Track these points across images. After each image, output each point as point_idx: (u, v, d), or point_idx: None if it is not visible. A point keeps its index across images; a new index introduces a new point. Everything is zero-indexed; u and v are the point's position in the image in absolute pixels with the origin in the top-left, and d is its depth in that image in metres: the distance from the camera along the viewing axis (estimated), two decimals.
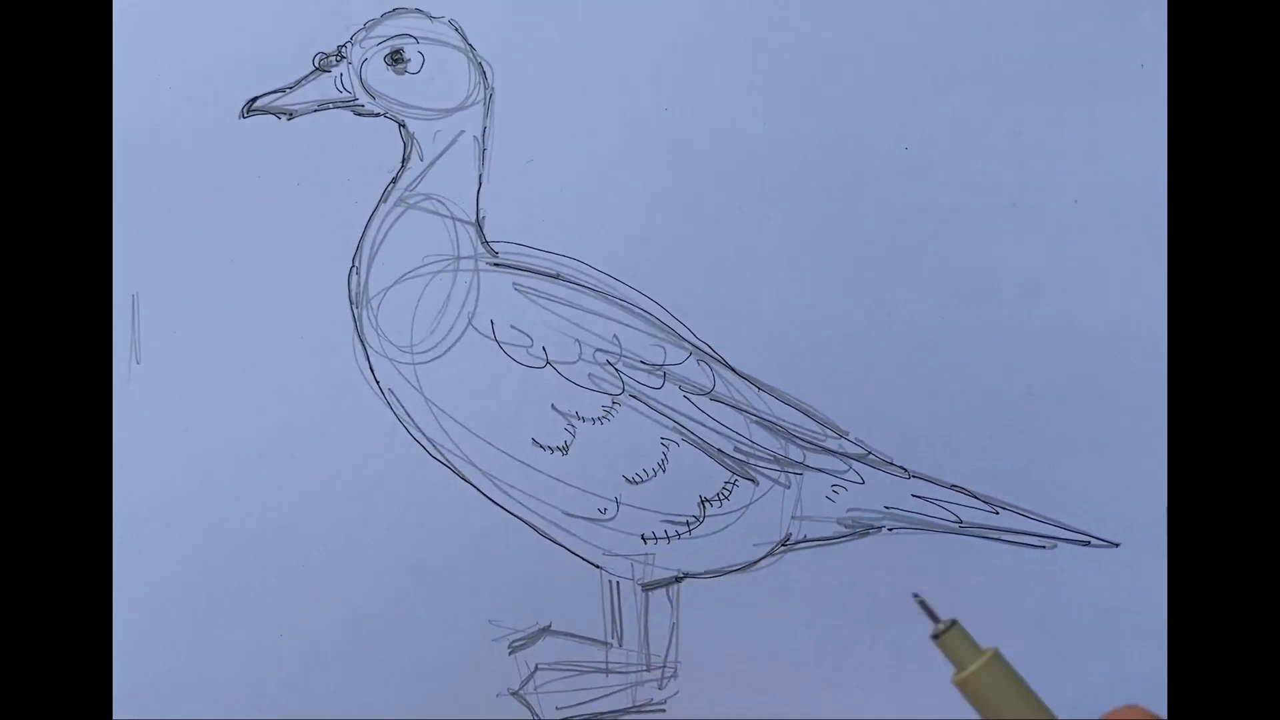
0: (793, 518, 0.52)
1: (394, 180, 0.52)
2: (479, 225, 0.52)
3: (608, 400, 0.52)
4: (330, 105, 0.52)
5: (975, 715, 0.41)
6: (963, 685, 0.39)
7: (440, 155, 0.52)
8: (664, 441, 0.52)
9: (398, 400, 0.52)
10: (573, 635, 0.52)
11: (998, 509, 0.52)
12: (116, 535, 0.51)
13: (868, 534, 0.52)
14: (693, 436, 0.52)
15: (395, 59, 0.52)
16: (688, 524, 0.52)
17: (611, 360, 0.52)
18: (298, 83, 0.52)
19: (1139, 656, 0.52)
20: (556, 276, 0.52)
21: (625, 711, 0.52)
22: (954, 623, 0.39)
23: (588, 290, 0.52)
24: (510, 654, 0.52)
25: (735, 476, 0.52)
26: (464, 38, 0.52)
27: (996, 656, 0.39)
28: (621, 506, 0.52)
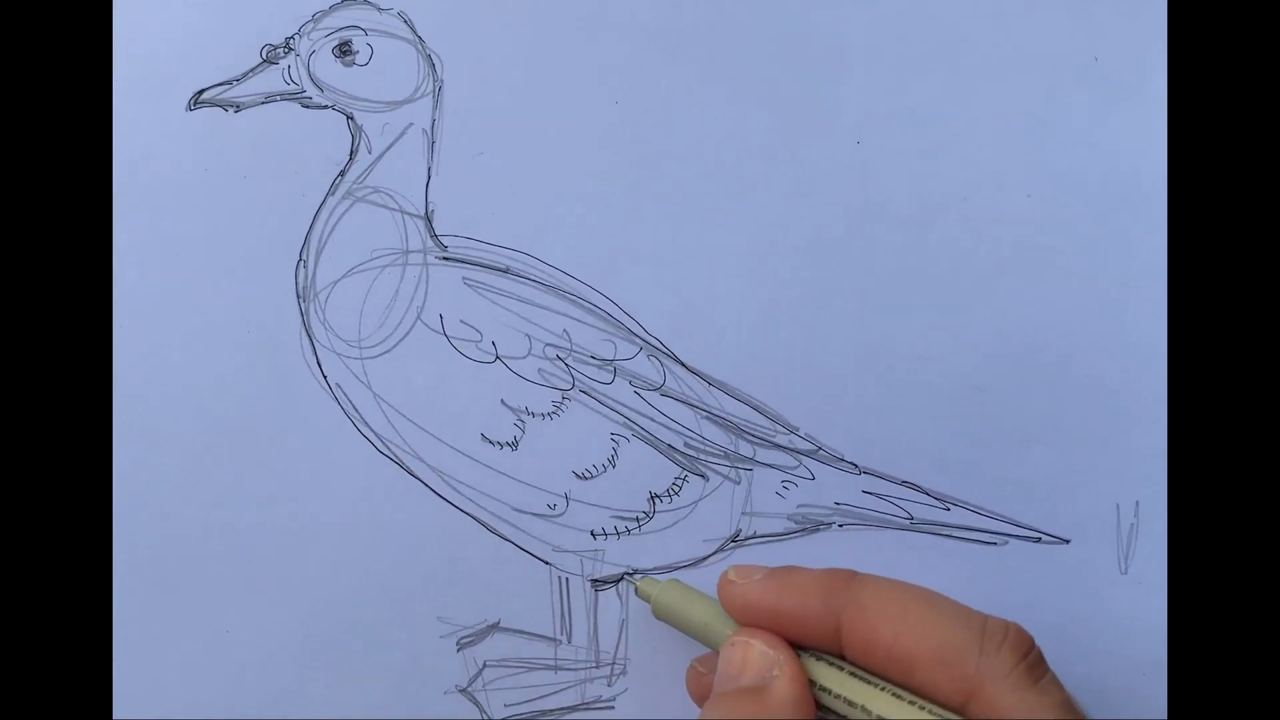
0: (743, 514, 0.52)
1: (342, 173, 0.52)
2: (428, 219, 0.52)
3: (558, 395, 0.51)
4: (278, 97, 0.52)
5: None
6: (656, 609, 0.48)
7: (389, 148, 0.52)
8: (614, 437, 0.51)
9: (345, 395, 0.51)
10: (521, 632, 0.52)
11: (949, 505, 0.52)
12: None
13: (818, 530, 0.52)
14: (643, 432, 0.51)
15: (343, 51, 0.51)
16: (637, 520, 0.51)
17: (561, 355, 0.51)
18: (245, 75, 0.52)
19: (1089, 652, 0.52)
20: (506, 271, 0.52)
21: (574, 709, 0.52)
22: (632, 572, 0.50)
23: (538, 285, 0.52)
24: (458, 651, 0.52)
25: (685, 472, 0.51)
26: (413, 29, 0.52)
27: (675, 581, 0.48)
28: (571, 502, 0.51)
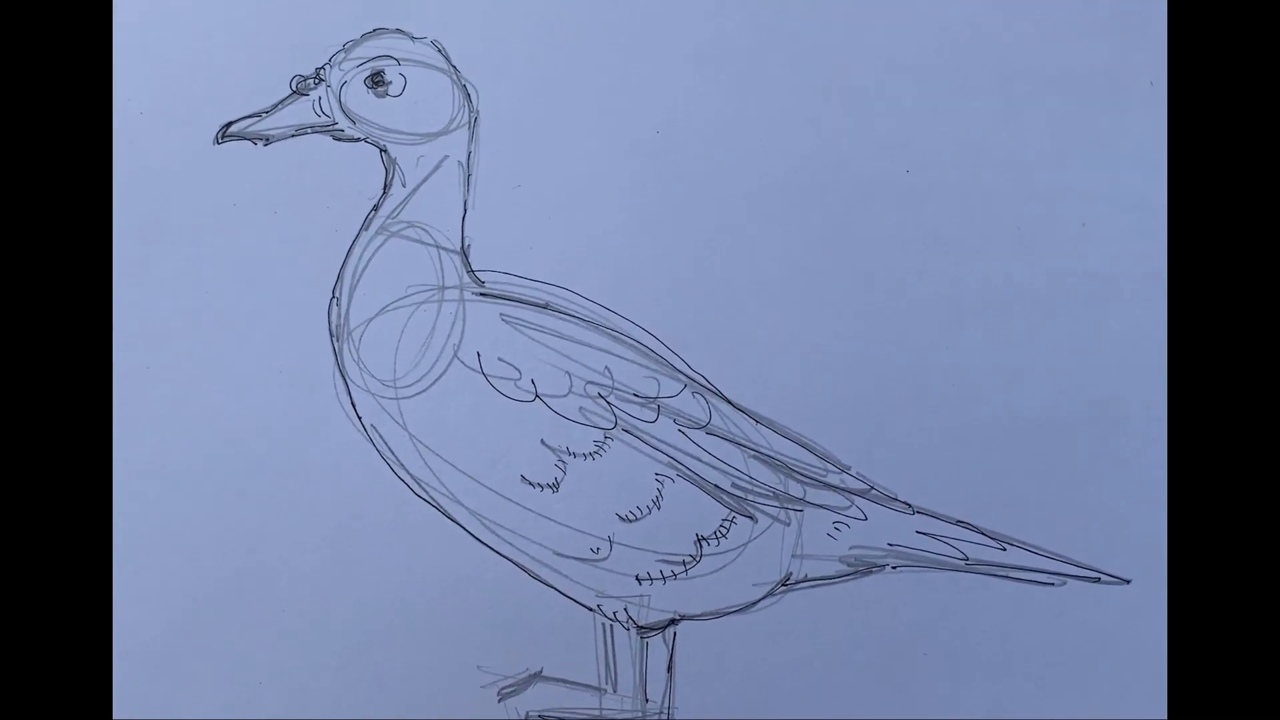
0: (793, 556, 0.50)
1: (375, 207, 0.50)
2: (464, 253, 0.50)
3: (600, 435, 0.50)
4: (309, 130, 0.50)
5: None
6: None
7: (424, 181, 0.50)
8: (658, 477, 0.50)
9: (380, 437, 0.50)
10: (565, 681, 0.50)
11: (1005, 545, 0.50)
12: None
13: (871, 572, 0.50)
14: (688, 472, 0.50)
15: (376, 81, 0.50)
16: (684, 563, 0.50)
17: (603, 393, 0.50)
18: (274, 107, 0.50)
19: (1150, 696, 0.50)
20: (545, 306, 0.50)
21: None
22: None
23: (578, 320, 0.50)
24: (500, 701, 0.50)
25: (733, 513, 0.50)
26: (447, 59, 0.51)
27: None
28: (615, 546, 0.50)
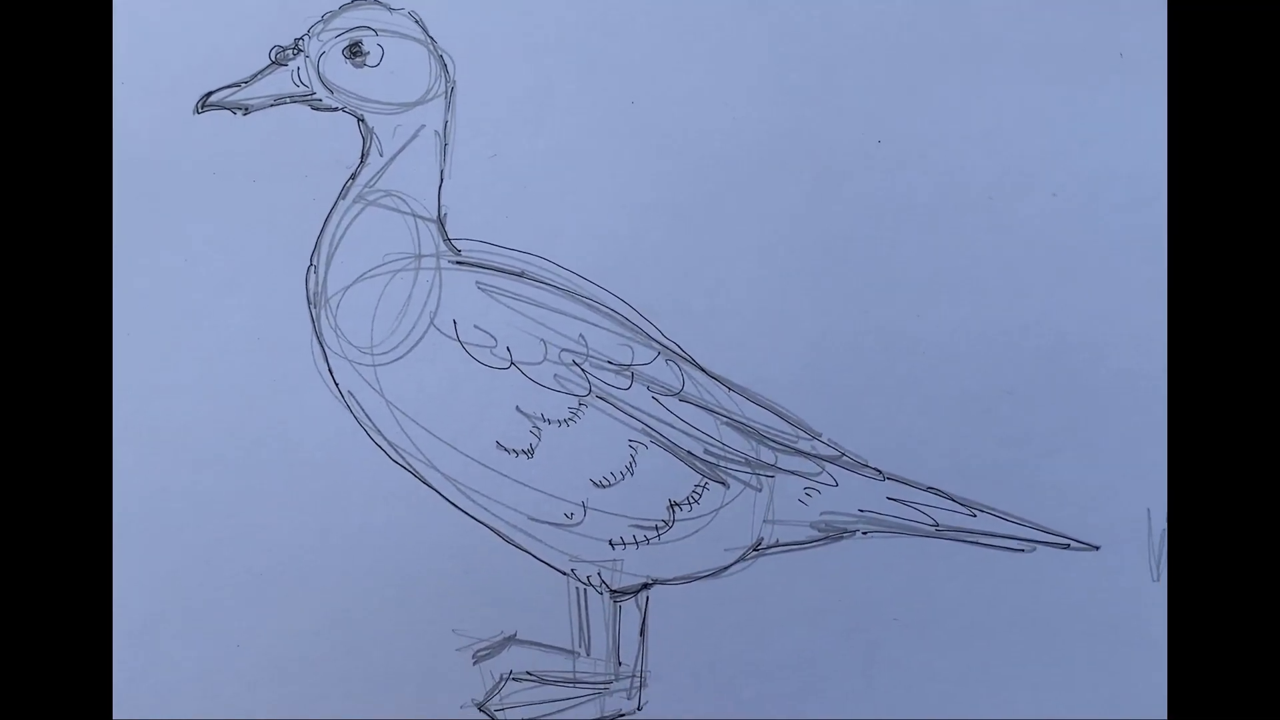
0: (764, 521, 0.50)
1: (353, 176, 0.51)
2: (441, 222, 0.51)
3: (574, 402, 0.50)
4: (287, 100, 0.51)
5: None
6: None
7: (400, 150, 0.51)
8: (632, 444, 0.50)
9: (358, 403, 0.50)
10: (539, 644, 0.51)
11: (975, 511, 0.51)
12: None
13: (841, 538, 0.51)
14: (661, 439, 0.50)
15: (353, 52, 0.50)
16: (657, 528, 0.50)
17: (578, 360, 0.50)
18: (254, 77, 0.51)
19: (1118, 659, 0.51)
20: (521, 274, 0.51)
21: None
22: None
23: (553, 289, 0.51)
24: (475, 664, 0.50)
25: (705, 479, 0.50)
26: (424, 29, 0.51)
27: None
28: (589, 511, 0.50)
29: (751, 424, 0.51)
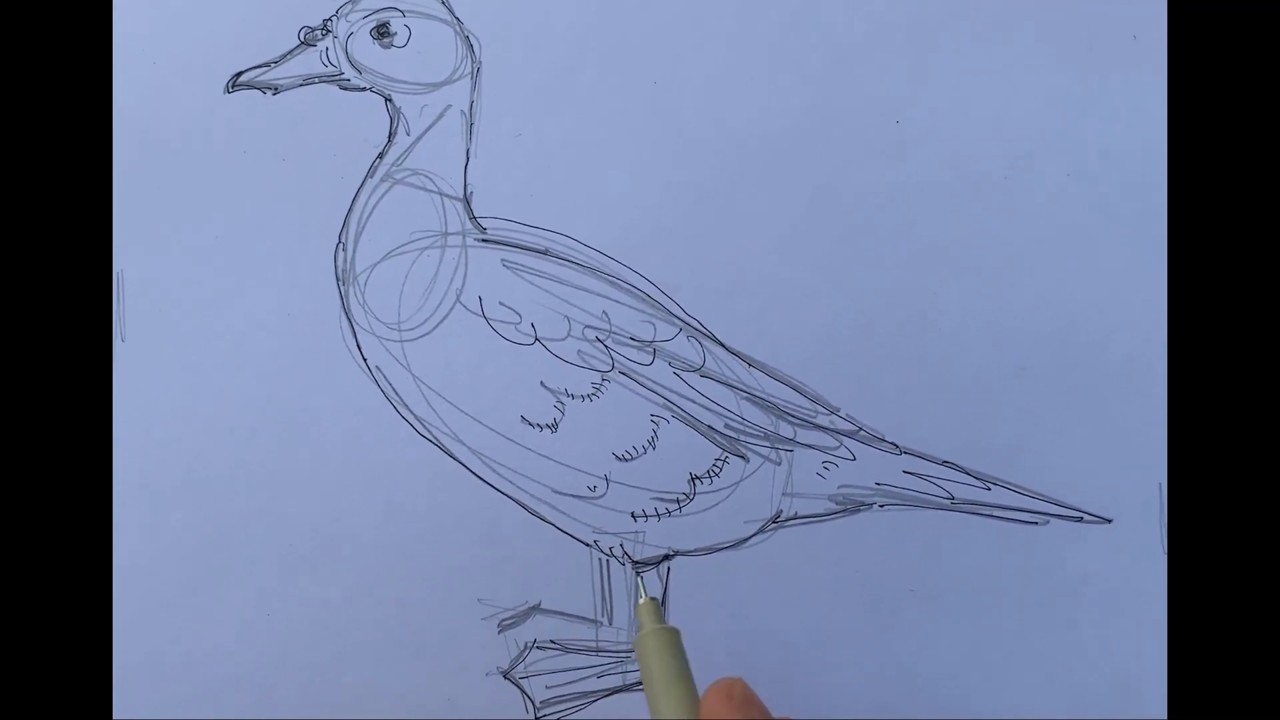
0: (784, 494, 0.52)
1: (380, 155, 0.52)
2: (467, 201, 0.52)
3: (597, 377, 0.51)
4: (316, 80, 0.52)
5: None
6: (636, 645, 0.44)
7: (427, 130, 0.52)
8: (654, 418, 0.51)
9: (385, 378, 0.51)
10: (562, 614, 0.52)
11: (989, 485, 0.52)
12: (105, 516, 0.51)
13: (859, 511, 0.52)
14: (683, 413, 0.51)
15: (381, 32, 0.51)
16: (678, 501, 0.51)
17: (601, 337, 0.51)
18: (283, 57, 0.52)
19: (1130, 632, 0.52)
20: (545, 252, 0.52)
21: (616, 691, 0.52)
22: (654, 600, 0.45)
23: (577, 266, 0.52)
24: (500, 633, 0.52)
25: (726, 453, 0.51)
26: (450, 10, 0.52)
27: (671, 632, 0.44)
28: (611, 484, 0.51)
29: (771, 399, 0.52)
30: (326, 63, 0.51)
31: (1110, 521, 0.52)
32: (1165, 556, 0.52)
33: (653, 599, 0.45)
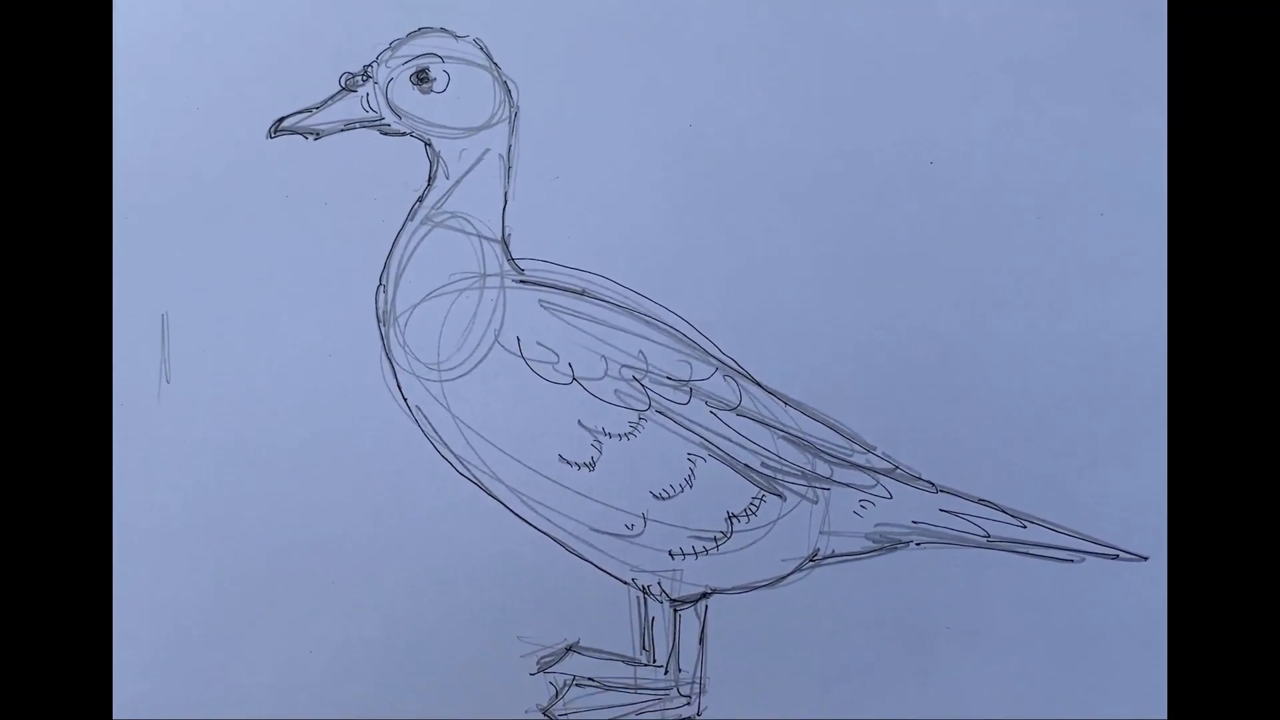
0: (820, 533, 0.52)
1: (420, 199, 0.52)
2: (505, 242, 0.52)
3: (634, 416, 0.52)
4: (356, 125, 0.52)
5: None
6: None
7: (466, 173, 0.52)
8: (691, 457, 0.52)
9: (425, 417, 0.52)
10: (600, 652, 0.52)
11: (1025, 523, 0.52)
12: (149, 550, 0.51)
13: (895, 549, 0.52)
14: (719, 452, 0.52)
15: (421, 78, 0.52)
16: (715, 539, 0.52)
17: (638, 376, 0.52)
18: (324, 103, 0.52)
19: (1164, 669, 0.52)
20: (582, 293, 0.52)
21: None
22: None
23: (613, 306, 0.52)
24: (538, 670, 0.52)
25: (763, 492, 0.52)
26: (489, 56, 0.53)
27: None
28: (649, 522, 0.52)
29: (807, 438, 0.52)
30: (367, 108, 0.52)
31: (1146, 559, 0.52)
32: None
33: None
